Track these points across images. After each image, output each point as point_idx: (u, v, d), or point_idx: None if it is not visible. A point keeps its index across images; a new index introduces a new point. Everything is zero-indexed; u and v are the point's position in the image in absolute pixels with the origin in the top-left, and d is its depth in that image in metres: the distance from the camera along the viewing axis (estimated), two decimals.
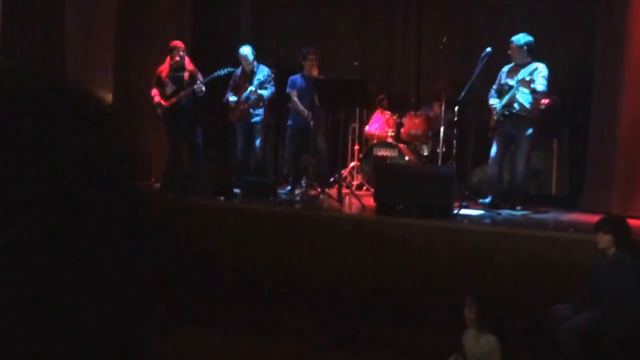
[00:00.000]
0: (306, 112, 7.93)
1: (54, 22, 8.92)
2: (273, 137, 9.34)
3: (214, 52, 9.78)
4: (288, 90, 8.41)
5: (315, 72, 8.30)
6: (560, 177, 8.19)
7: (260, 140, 8.50)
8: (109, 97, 9.79)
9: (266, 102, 8.47)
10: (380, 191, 6.88)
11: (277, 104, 8.81)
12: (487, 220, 6.66)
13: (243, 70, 8.52)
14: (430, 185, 6.59)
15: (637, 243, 5.01)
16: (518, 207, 7.22)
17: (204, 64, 8.84)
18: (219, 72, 8.44)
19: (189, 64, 8.60)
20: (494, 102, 7.34)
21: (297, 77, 8.40)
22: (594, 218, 5.42)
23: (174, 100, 8.50)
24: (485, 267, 5.80)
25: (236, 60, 8.60)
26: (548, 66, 7.17)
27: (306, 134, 8.13)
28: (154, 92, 8.62)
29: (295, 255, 6.47)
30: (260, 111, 8.48)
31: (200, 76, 8.50)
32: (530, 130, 7.22)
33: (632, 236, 4.92)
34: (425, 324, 5.75)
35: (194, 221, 7.01)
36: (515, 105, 7.14)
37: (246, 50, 8.45)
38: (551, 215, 7.15)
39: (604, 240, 4.84)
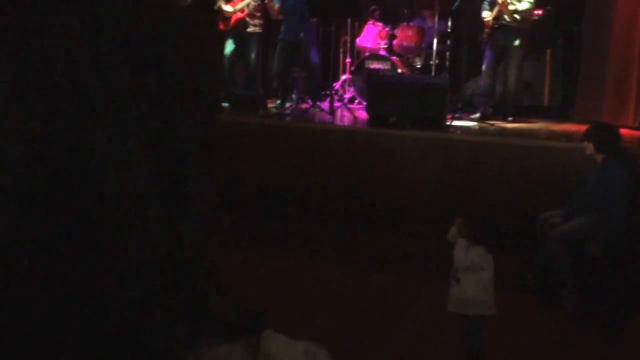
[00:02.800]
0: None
1: None
2: (263, 50, 9.43)
3: None
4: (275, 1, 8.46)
5: None
6: (553, 88, 8.54)
7: (255, 52, 8.54)
8: None
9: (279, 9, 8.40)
10: (372, 103, 7.16)
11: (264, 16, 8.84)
12: (479, 131, 7.01)
13: None
14: (423, 97, 6.89)
15: (625, 151, 5.37)
16: (510, 118, 7.60)
17: None
18: None
19: None
20: (486, 15, 7.60)
21: None
22: (585, 128, 5.76)
23: None
24: (477, 177, 6.15)
25: None
26: None
27: (297, 48, 8.31)
28: None
29: (286, 168, 6.76)
30: (258, 22, 8.53)
31: None
32: (522, 41, 7.52)
33: (619, 144, 5.26)
34: (418, 235, 6.08)
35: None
36: (506, 16, 7.41)
37: None
38: (543, 125, 7.52)
39: (589, 147, 5.21)
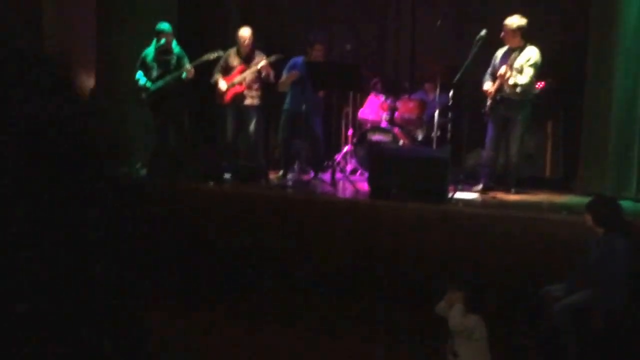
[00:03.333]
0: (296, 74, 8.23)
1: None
2: (263, 121, 9.59)
3: (201, 34, 10.03)
4: (285, 71, 8.64)
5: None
6: (554, 159, 8.62)
7: (255, 124, 8.72)
8: (90, 81, 10.04)
9: (270, 79, 8.61)
10: (374, 176, 7.22)
11: (267, 86, 8.95)
12: (481, 204, 7.06)
13: (238, 51, 8.74)
14: (425, 169, 6.96)
15: (627, 223, 5.40)
16: (512, 190, 7.65)
17: (191, 47, 9.01)
18: (208, 56, 8.61)
19: (175, 47, 8.80)
20: (487, 86, 7.73)
21: (298, 60, 8.60)
22: (587, 200, 5.81)
23: (160, 84, 8.72)
24: (478, 249, 6.17)
25: (224, 43, 8.84)
26: (541, 49, 7.57)
27: (300, 118, 8.44)
28: (139, 75, 8.80)
29: (287, 240, 6.79)
30: (255, 94, 8.72)
31: (187, 59, 8.70)
32: (524, 114, 7.62)
33: (620, 216, 5.30)
34: (418, 305, 6.06)
35: (183, 206, 7.30)
36: (507, 89, 7.54)
37: (248, 32, 8.65)
38: (545, 197, 7.56)
39: (588, 219, 5.26)
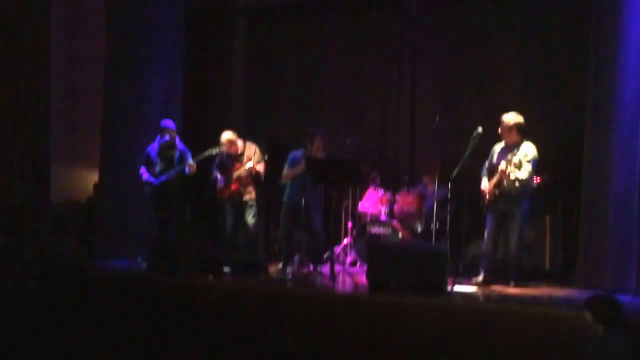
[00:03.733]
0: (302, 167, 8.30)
1: (38, 99, 9.18)
2: (264, 213, 9.61)
3: (204, 129, 10.16)
4: (286, 165, 8.66)
5: (320, 156, 8.48)
6: (553, 252, 8.54)
7: (253, 217, 8.75)
8: (94, 176, 10.10)
9: (261, 179, 8.76)
10: (373, 269, 7.13)
11: (268, 179, 9.04)
12: (481, 298, 6.95)
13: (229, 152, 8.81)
14: (424, 263, 6.86)
15: (627, 319, 5.29)
16: (512, 283, 7.54)
17: (193, 143, 9.17)
18: (210, 151, 8.70)
19: (179, 144, 8.93)
20: (485, 185, 7.73)
21: (298, 154, 8.62)
22: (588, 294, 5.72)
23: (163, 178, 8.80)
24: (478, 345, 6.04)
25: None
26: (538, 145, 7.60)
27: (299, 211, 8.43)
28: (142, 170, 8.92)
29: (286, 334, 6.67)
30: (251, 188, 8.77)
31: (189, 155, 8.81)
32: (522, 208, 7.59)
33: (620, 313, 5.18)
34: None
35: (182, 301, 7.21)
36: (506, 183, 7.53)
37: (227, 136, 8.74)
38: (545, 291, 7.45)
39: (588, 317, 5.16)
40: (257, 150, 8.80)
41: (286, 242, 8.75)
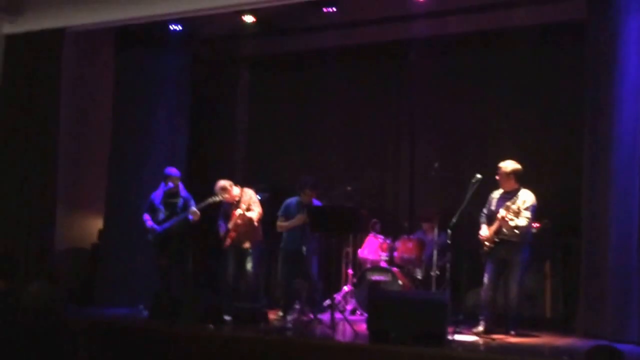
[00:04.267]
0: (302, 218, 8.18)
1: (47, 146, 9.17)
2: (265, 261, 9.46)
3: (208, 176, 10.09)
4: (279, 213, 8.56)
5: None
6: (554, 300, 8.35)
7: (253, 265, 8.56)
8: (99, 222, 10.01)
9: (255, 224, 8.59)
10: (373, 318, 6.96)
11: (269, 227, 8.89)
12: (482, 347, 6.76)
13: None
14: (424, 312, 6.68)
15: None
16: (512, 332, 7.34)
17: (197, 189, 9.07)
18: (213, 199, 8.57)
19: (182, 191, 8.85)
20: (484, 232, 7.60)
21: (292, 202, 8.52)
22: (589, 343, 5.55)
23: (166, 226, 8.69)
24: None
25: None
26: (536, 192, 7.46)
27: (299, 258, 8.29)
28: (146, 217, 8.81)
29: None
30: (250, 236, 8.60)
31: (193, 202, 8.73)
32: (522, 255, 7.42)
33: None
34: None
35: (182, 350, 7.04)
36: (506, 231, 7.40)
37: (221, 184, 8.63)
38: (546, 340, 7.25)
39: None
40: (253, 196, 8.68)
41: (285, 289, 8.60)
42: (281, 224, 8.54)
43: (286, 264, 8.54)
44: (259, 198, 8.72)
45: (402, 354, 6.33)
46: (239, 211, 8.48)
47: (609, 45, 7.46)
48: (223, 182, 8.67)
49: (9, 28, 9.25)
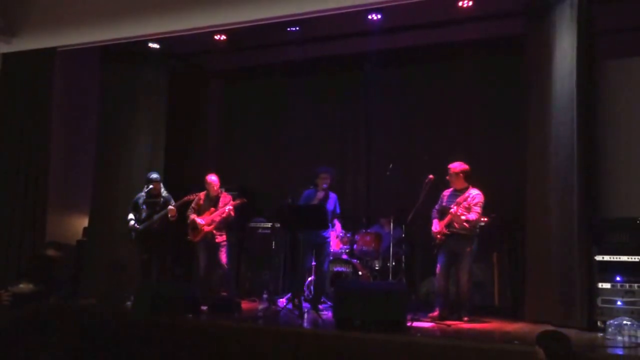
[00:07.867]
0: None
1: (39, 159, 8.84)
2: (235, 254, 9.04)
3: (184, 177, 9.68)
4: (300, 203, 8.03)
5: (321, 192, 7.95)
6: (502, 288, 8.02)
7: (226, 257, 8.12)
8: (84, 221, 9.55)
9: (228, 221, 8.21)
10: (338, 307, 6.55)
11: (239, 223, 8.59)
12: (438, 333, 6.36)
13: (208, 195, 8.30)
14: (385, 301, 6.28)
15: (575, 354, 4.77)
16: (465, 319, 6.97)
17: (175, 189, 8.69)
18: (188, 197, 8.30)
19: (163, 191, 8.48)
20: (435, 228, 7.22)
21: (310, 192, 8.02)
22: (538, 328, 5.20)
23: (147, 223, 8.28)
24: None
25: (201, 185, 8.41)
26: (484, 190, 7.18)
27: (320, 247, 7.88)
28: (130, 217, 8.42)
29: None
30: (224, 231, 8.21)
31: (172, 202, 8.31)
32: (471, 247, 7.11)
33: (569, 350, 4.66)
34: None
35: (164, 338, 6.58)
36: (456, 224, 7.08)
37: (214, 178, 8.30)
38: (497, 326, 6.89)
39: (541, 352, 4.60)
40: (231, 200, 8.26)
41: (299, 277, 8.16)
42: None
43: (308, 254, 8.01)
44: (192, 198, 8.37)
45: (366, 339, 5.92)
46: (229, 207, 8.08)
47: (546, 57, 7.19)
48: (214, 176, 8.35)
49: (6, 48, 9.19)
